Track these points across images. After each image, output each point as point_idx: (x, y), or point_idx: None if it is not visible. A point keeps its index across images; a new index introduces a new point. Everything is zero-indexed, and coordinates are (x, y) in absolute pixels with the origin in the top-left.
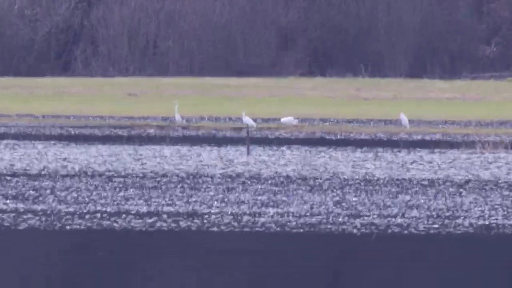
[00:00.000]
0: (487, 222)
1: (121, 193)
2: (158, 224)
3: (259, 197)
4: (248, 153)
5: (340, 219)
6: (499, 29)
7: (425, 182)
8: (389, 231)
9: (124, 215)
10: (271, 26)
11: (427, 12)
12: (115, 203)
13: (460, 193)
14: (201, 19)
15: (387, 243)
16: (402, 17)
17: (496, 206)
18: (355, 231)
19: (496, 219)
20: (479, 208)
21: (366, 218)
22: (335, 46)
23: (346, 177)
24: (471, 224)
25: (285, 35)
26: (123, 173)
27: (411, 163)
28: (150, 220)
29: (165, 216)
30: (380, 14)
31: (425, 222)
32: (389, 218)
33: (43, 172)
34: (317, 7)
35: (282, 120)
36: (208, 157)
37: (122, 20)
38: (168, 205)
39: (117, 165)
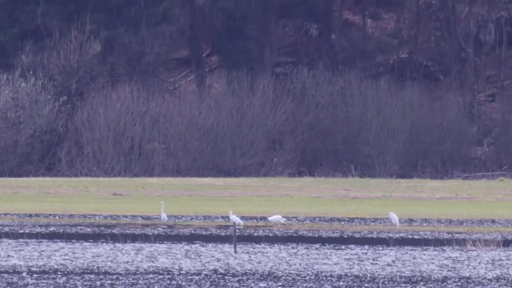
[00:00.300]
0: None
1: None
2: None
3: None
4: (235, 251)
5: None
6: (490, 132)
7: (403, 279)
8: None
9: None
10: (258, 128)
11: (417, 115)
12: None
13: None
14: (187, 122)
15: None
16: (392, 120)
17: None
18: None
19: None
20: None
21: None
22: (323, 148)
23: (328, 275)
24: None
25: (273, 136)
26: (96, 271)
27: (394, 261)
28: None
29: None
30: (369, 117)
31: None
32: None
33: (15, 269)
34: (305, 110)
35: (270, 218)
36: (193, 255)
37: (107, 123)
38: None
39: (92, 263)
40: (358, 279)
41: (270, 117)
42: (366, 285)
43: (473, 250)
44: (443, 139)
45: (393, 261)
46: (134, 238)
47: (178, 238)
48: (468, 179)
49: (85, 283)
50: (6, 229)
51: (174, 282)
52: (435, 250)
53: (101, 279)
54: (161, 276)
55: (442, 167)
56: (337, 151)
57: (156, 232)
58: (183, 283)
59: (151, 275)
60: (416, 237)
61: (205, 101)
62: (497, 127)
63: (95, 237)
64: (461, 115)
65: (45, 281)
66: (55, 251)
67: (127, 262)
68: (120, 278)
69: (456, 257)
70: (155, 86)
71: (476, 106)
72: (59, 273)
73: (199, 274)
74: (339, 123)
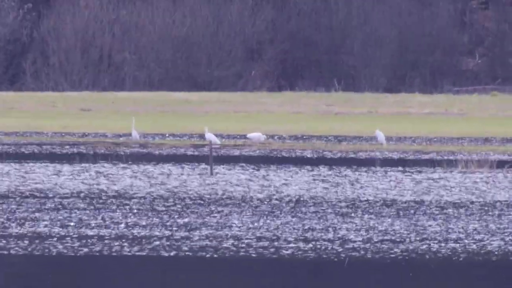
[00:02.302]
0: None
1: (57, 214)
2: (94, 248)
3: (211, 220)
4: (211, 173)
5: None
6: (483, 41)
7: (382, 202)
8: (343, 255)
9: (51, 238)
10: (236, 38)
11: (405, 24)
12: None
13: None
14: (160, 31)
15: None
16: (379, 30)
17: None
18: (308, 254)
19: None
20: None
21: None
22: (305, 59)
23: (305, 198)
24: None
25: (251, 46)
26: (61, 194)
27: (368, 183)
28: (77, 244)
29: (105, 239)
30: (354, 26)
31: (380, 246)
32: (343, 241)
33: None
34: (286, 18)
35: (249, 136)
36: (167, 177)
37: (75, 31)
38: (107, 227)
39: (53, 185)
40: (336, 203)
41: (249, 25)
42: (344, 210)
43: (466, 172)
44: (432, 49)
45: (375, 185)
46: (103, 158)
47: (150, 158)
48: (459, 94)
49: (50, 205)
50: None
51: (145, 205)
52: (422, 172)
53: (62, 201)
54: (130, 200)
55: (431, 80)
56: (320, 62)
57: (126, 151)
58: (155, 207)
59: (118, 199)
60: (404, 156)
61: (179, 8)
62: (490, 36)
63: (60, 158)
64: (452, 24)
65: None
66: (15, 170)
67: (95, 183)
68: (86, 199)
69: (444, 179)
70: None
71: (468, 14)
72: (13, 196)
73: (171, 197)
74: (323, 32)
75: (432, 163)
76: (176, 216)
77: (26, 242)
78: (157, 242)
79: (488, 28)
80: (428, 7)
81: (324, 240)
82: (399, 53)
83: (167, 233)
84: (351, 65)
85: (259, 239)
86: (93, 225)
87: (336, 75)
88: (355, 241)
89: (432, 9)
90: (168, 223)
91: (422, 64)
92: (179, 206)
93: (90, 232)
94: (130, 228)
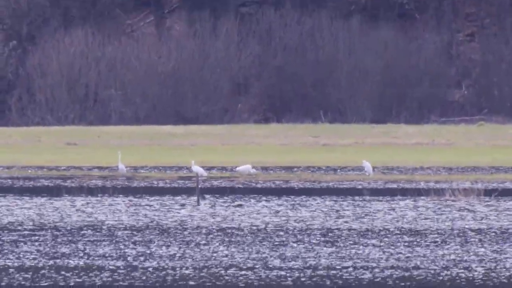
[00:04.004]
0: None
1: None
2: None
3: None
4: (198, 204)
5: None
6: (470, 73)
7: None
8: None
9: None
10: (222, 73)
11: (391, 57)
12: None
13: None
14: (146, 67)
15: None
16: (364, 63)
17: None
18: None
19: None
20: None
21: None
22: (292, 93)
23: (298, 228)
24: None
25: (237, 81)
26: (50, 227)
27: (365, 213)
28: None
29: (96, 271)
30: (340, 60)
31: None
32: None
33: None
34: (272, 53)
35: (238, 168)
36: (153, 208)
37: (60, 68)
38: (100, 258)
39: (45, 219)
40: (326, 232)
41: (235, 60)
42: (330, 239)
43: (451, 200)
44: (419, 82)
45: (364, 214)
46: (89, 191)
47: (137, 191)
48: (445, 124)
49: (38, 239)
50: None
51: (136, 237)
52: (411, 200)
53: (60, 234)
54: (121, 232)
55: (418, 112)
56: (307, 95)
57: (113, 184)
58: (144, 238)
59: (111, 230)
60: (391, 186)
61: (165, 44)
62: (477, 68)
63: (48, 191)
64: (438, 56)
65: None
66: (6, 205)
67: (86, 216)
68: (80, 232)
69: (431, 207)
70: (111, 29)
71: (455, 46)
72: (7, 230)
73: (159, 228)
74: (309, 66)
75: (419, 192)
76: (161, 246)
77: (14, 274)
78: (138, 273)
79: (474, 59)
80: (415, 40)
81: (305, 267)
82: (385, 86)
83: (154, 263)
84: (338, 98)
85: (244, 267)
86: (75, 256)
87: (323, 108)
88: (338, 268)
89: (419, 42)
90: (154, 253)
91: (408, 97)
92: (165, 236)
93: (75, 263)
94: (113, 259)
